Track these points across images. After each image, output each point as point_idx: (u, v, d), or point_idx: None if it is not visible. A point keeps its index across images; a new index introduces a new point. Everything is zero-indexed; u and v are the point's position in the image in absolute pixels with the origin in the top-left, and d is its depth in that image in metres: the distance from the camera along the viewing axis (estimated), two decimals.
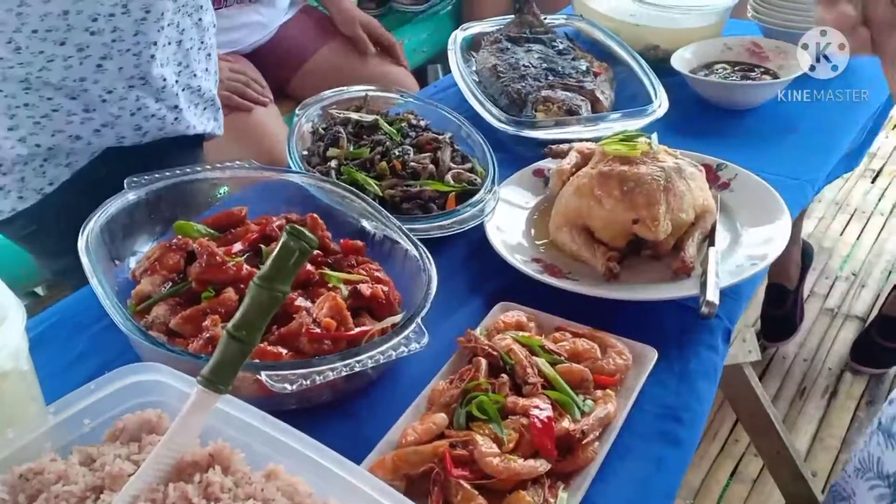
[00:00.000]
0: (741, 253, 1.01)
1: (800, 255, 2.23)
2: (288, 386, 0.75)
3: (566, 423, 0.78)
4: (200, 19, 1.28)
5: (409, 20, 2.74)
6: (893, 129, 3.13)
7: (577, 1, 1.71)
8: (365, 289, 0.92)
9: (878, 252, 2.60)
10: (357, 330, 0.86)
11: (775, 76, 1.43)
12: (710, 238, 1.03)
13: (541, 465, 0.74)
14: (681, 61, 1.45)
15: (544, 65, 1.44)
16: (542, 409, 0.78)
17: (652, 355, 0.88)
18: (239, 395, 0.69)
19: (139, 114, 1.22)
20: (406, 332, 0.83)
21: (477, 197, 1.11)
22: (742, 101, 1.41)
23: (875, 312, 2.31)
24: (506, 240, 1.07)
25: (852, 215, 2.77)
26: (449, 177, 1.16)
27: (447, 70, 1.52)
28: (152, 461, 0.62)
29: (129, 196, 1.00)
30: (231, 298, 0.88)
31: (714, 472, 1.91)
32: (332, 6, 2.19)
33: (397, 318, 0.90)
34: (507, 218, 1.11)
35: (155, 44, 1.19)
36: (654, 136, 1.09)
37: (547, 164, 1.19)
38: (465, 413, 0.79)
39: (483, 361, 0.85)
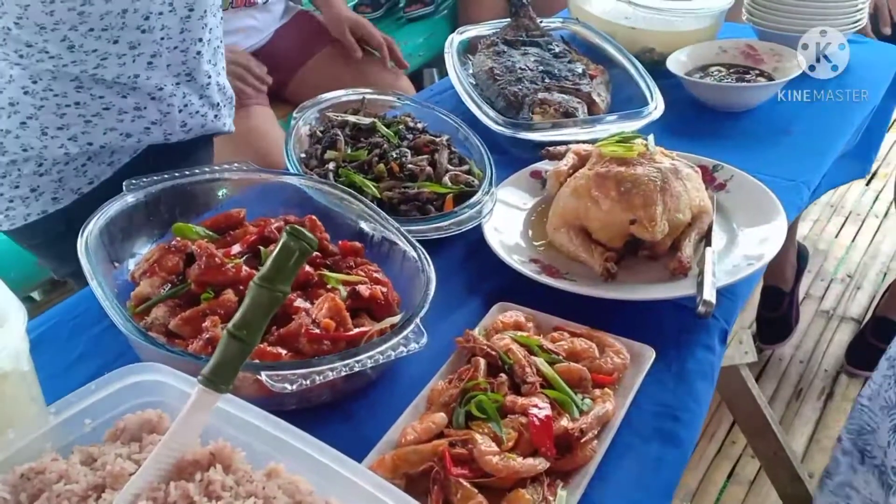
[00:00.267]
0: (737, 253, 1.02)
1: (795, 257, 2.24)
2: (288, 386, 0.75)
3: (565, 422, 0.78)
4: (221, 18, 1.32)
5: (404, 24, 2.75)
6: (888, 131, 3.14)
7: (572, 4, 1.72)
8: (364, 290, 0.92)
9: (873, 254, 2.61)
10: (356, 330, 0.87)
11: (770, 78, 1.44)
12: (706, 238, 1.03)
13: (540, 464, 0.75)
14: (676, 64, 1.46)
15: (540, 67, 1.44)
16: (540, 408, 0.79)
17: (650, 354, 0.88)
18: (239, 396, 0.69)
19: (185, 111, 1.26)
20: (405, 333, 0.83)
21: (475, 198, 1.12)
22: (737, 104, 1.42)
23: (870, 314, 2.32)
24: (504, 240, 1.07)
25: (847, 217, 2.79)
26: (446, 179, 1.17)
27: (443, 74, 1.53)
28: (153, 460, 0.62)
29: (128, 198, 1.00)
30: (230, 300, 0.88)
31: (711, 474, 1.91)
32: (322, 7, 2.20)
33: (396, 319, 0.90)
34: (505, 219, 1.12)
35: (200, 40, 1.23)
36: (651, 137, 1.10)
37: (544, 165, 1.20)
38: (465, 412, 0.80)
39: (482, 361, 0.85)
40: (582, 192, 1.03)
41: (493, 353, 0.86)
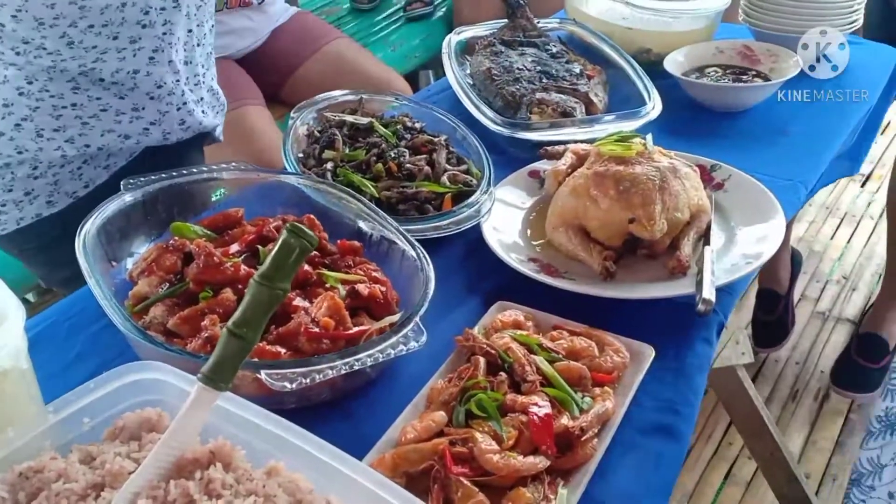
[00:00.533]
0: (736, 252, 1.02)
1: (790, 260, 2.25)
2: (288, 384, 0.75)
3: (565, 420, 0.78)
4: (213, 26, 1.31)
5: (402, 24, 2.75)
6: (882, 133, 3.16)
7: (569, 5, 1.72)
8: (363, 288, 0.92)
9: (868, 255, 2.62)
10: (355, 329, 0.86)
11: (767, 79, 1.44)
12: (705, 237, 1.03)
13: (540, 462, 0.75)
14: (673, 64, 1.46)
15: (538, 68, 1.45)
16: (540, 406, 0.79)
17: (649, 353, 0.88)
18: (238, 394, 0.69)
19: (184, 108, 1.24)
20: (404, 331, 0.83)
21: (473, 198, 1.12)
22: (734, 104, 1.42)
23: (854, 333, 2.33)
24: (502, 240, 1.07)
25: (842, 219, 2.79)
26: (445, 178, 1.17)
27: (439, 75, 1.54)
28: (153, 458, 0.62)
29: (126, 197, 1.00)
30: (229, 299, 0.88)
31: (708, 475, 1.91)
32: None
33: (395, 318, 0.90)
34: (504, 218, 1.12)
35: (202, 38, 1.23)
36: (649, 136, 1.10)
37: (542, 165, 1.20)
38: (465, 411, 0.80)
39: (481, 360, 0.85)
40: (581, 191, 1.03)
41: (493, 351, 0.86)
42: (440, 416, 0.79)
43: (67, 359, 0.93)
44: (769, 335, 2.20)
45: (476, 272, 1.06)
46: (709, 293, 0.91)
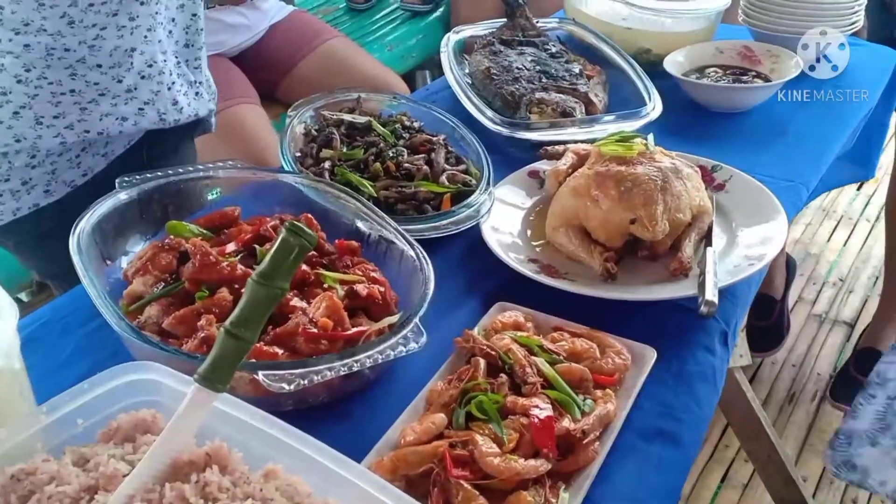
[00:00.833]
0: (738, 253, 1.01)
1: (785, 264, 2.24)
2: (286, 386, 0.74)
3: (566, 423, 0.77)
4: (202, 16, 1.31)
5: (399, 22, 2.74)
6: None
7: (568, 5, 1.71)
8: (361, 289, 0.91)
9: (864, 258, 2.62)
10: (354, 330, 0.85)
11: (767, 79, 1.44)
12: (706, 239, 1.03)
13: (542, 465, 0.74)
14: (673, 65, 1.45)
15: (537, 67, 1.44)
16: (542, 408, 0.78)
17: (651, 355, 0.87)
18: (235, 396, 0.67)
19: (174, 87, 1.24)
20: (404, 332, 0.82)
21: (472, 198, 1.11)
22: (735, 105, 1.41)
23: (861, 319, 2.32)
24: (502, 240, 1.06)
25: (839, 222, 2.79)
26: (444, 178, 1.16)
27: (435, 76, 1.53)
28: (148, 460, 0.61)
29: (121, 196, 0.99)
30: (226, 298, 0.86)
31: (705, 478, 1.91)
32: None
33: (394, 319, 0.89)
34: (503, 219, 1.11)
35: (194, 17, 1.23)
36: (651, 136, 1.09)
37: (542, 165, 1.19)
38: (465, 413, 0.78)
39: (482, 361, 0.84)
40: (581, 191, 1.02)
41: (493, 353, 0.85)
42: (440, 418, 0.78)
43: (61, 359, 0.91)
44: (764, 340, 2.20)
45: (475, 273, 1.05)
46: (711, 295, 0.90)
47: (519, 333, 0.89)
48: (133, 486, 0.60)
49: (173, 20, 1.23)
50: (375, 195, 1.12)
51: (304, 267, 0.92)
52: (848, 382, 2.05)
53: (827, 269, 2.57)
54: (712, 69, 1.48)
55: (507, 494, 0.72)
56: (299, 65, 2.13)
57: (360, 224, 1.03)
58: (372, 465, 0.74)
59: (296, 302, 0.87)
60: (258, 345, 0.81)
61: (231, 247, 0.95)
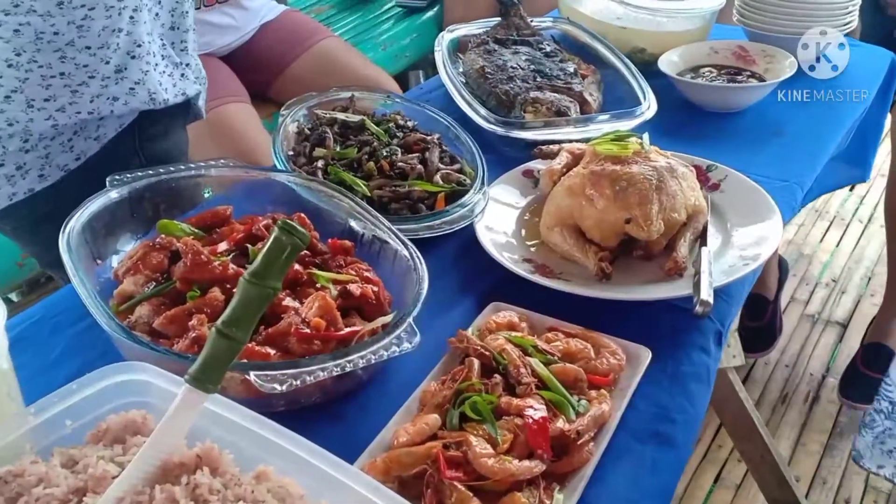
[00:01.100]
0: (733, 253, 1.01)
1: (777, 265, 2.25)
2: (277, 386, 0.73)
3: (561, 424, 0.76)
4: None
5: (394, 20, 2.73)
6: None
7: (563, 4, 1.71)
8: (354, 289, 0.90)
9: (857, 258, 2.62)
10: (347, 330, 0.84)
11: (762, 79, 1.43)
12: (701, 238, 1.02)
13: (536, 466, 0.73)
14: (668, 64, 1.45)
15: (532, 66, 1.43)
16: (536, 409, 0.77)
17: (646, 355, 0.87)
18: (226, 397, 0.67)
19: (158, 68, 1.24)
20: (397, 332, 0.81)
21: (466, 197, 1.10)
22: (729, 104, 1.41)
23: (854, 319, 2.33)
24: (496, 240, 1.06)
25: (832, 222, 2.80)
26: (438, 177, 1.15)
27: (429, 76, 1.52)
28: (138, 462, 0.60)
29: (112, 194, 0.98)
30: (217, 298, 0.86)
31: (698, 478, 1.91)
32: None
33: (388, 319, 0.88)
34: (498, 218, 1.10)
35: (159, 2, 1.23)
36: (646, 135, 1.09)
37: (536, 164, 1.19)
38: (459, 414, 0.78)
39: (476, 362, 0.84)
40: (576, 190, 1.02)
41: (488, 353, 0.84)
42: (433, 419, 0.77)
43: (50, 359, 0.90)
44: (757, 341, 2.20)
45: (469, 273, 1.04)
46: (707, 294, 0.90)
47: (513, 334, 0.88)
48: (122, 488, 0.59)
49: (159, 2, 1.24)
50: (369, 194, 1.11)
51: (296, 266, 0.91)
52: (856, 378, 2.07)
53: (819, 269, 2.58)
54: (707, 69, 1.48)
55: (501, 495, 0.72)
56: (292, 64, 2.12)
57: (353, 223, 1.02)
58: (365, 467, 0.73)
59: (288, 302, 0.87)
60: (250, 345, 0.80)
61: (223, 246, 0.95)
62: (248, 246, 0.95)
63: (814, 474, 1.91)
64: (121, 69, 1.19)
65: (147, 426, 0.66)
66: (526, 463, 0.73)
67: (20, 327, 0.94)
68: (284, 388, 0.73)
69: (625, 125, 1.23)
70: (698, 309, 0.89)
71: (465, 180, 1.15)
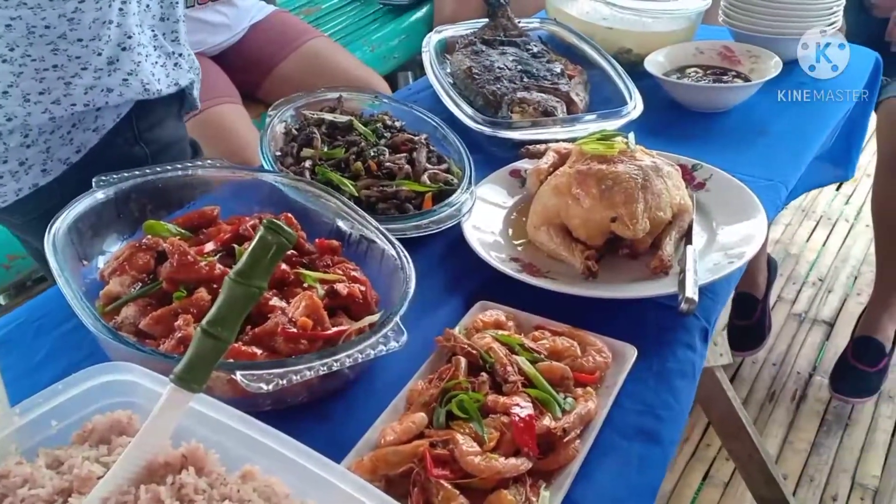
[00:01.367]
0: (718, 251, 1.02)
1: (766, 264, 2.26)
2: (264, 386, 0.73)
3: (547, 421, 0.77)
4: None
5: (381, 19, 2.73)
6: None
7: (550, 5, 1.71)
8: (342, 288, 0.90)
9: (843, 257, 2.64)
10: (334, 329, 0.85)
11: (747, 79, 1.44)
12: (687, 237, 1.03)
13: (522, 464, 0.73)
14: (654, 65, 1.46)
15: (519, 67, 1.44)
16: (522, 407, 0.77)
17: (631, 353, 0.87)
18: (213, 396, 0.67)
19: (150, 59, 1.25)
20: (384, 332, 0.81)
21: (454, 197, 1.10)
22: (715, 104, 1.42)
23: (840, 318, 2.34)
24: (483, 239, 1.06)
25: (818, 222, 2.82)
26: (425, 177, 1.15)
27: (418, 77, 1.52)
28: (123, 462, 0.60)
29: (98, 195, 0.97)
30: (204, 298, 0.86)
31: (686, 476, 1.92)
32: None
33: (375, 318, 0.88)
34: (485, 218, 1.11)
35: None
36: (632, 135, 1.09)
37: (523, 164, 1.19)
38: (445, 412, 0.78)
39: (462, 360, 0.84)
40: (563, 189, 1.02)
41: (474, 351, 0.84)
42: (420, 417, 0.77)
43: (36, 360, 0.90)
44: (746, 339, 2.21)
45: (457, 272, 1.04)
46: (692, 292, 0.90)
47: (500, 332, 0.88)
48: (107, 488, 0.59)
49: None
50: (357, 194, 1.11)
51: (283, 266, 0.91)
52: (847, 372, 2.07)
53: (806, 268, 2.59)
54: (693, 69, 1.49)
55: (487, 493, 0.72)
56: (281, 64, 2.12)
57: (340, 223, 1.02)
58: (352, 466, 0.73)
59: (275, 301, 0.87)
60: (237, 345, 0.80)
61: (209, 246, 0.94)
62: (235, 246, 0.95)
63: (801, 472, 1.92)
64: (113, 61, 1.19)
65: (133, 426, 0.66)
66: (512, 461, 0.73)
67: (5, 329, 0.94)
68: (271, 387, 0.73)
69: (611, 125, 1.24)
70: (683, 307, 0.89)
71: (452, 180, 1.16)
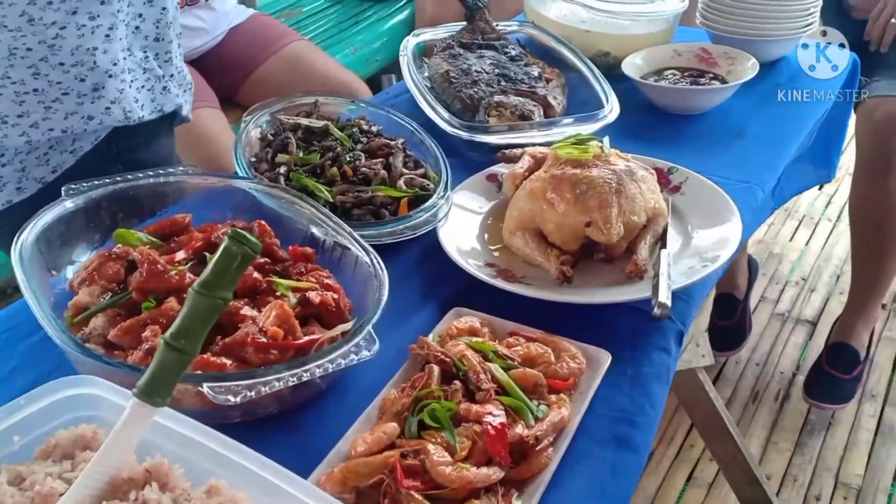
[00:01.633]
0: (693, 255, 1.01)
1: (747, 264, 2.26)
2: (231, 398, 0.72)
3: (520, 429, 0.76)
4: (178, 6, 1.32)
5: (364, 15, 2.73)
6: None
7: (528, 8, 1.71)
8: (314, 296, 0.89)
9: (826, 257, 2.65)
10: (305, 339, 0.83)
11: (724, 81, 1.44)
12: (661, 241, 1.03)
13: (494, 473, 0.73)
14: (631, 67, 1.46)
15: (496, 70, 1.43)
16: (495, 415, 0.77)
17: (605, 358, 0.87)
18: (181, 409, 0.66)
19: (135, 85, 1.24)
20: (356, 340, 0.81)
21: (430, 202, 1.10)
22: (692, 107, 1.42)
23: (823, 317, 2.35)
24: (459, 245, 1.05)
25: (801, 221, 2.83)
26: (401, 182, 1.14)
27: (401, 79, 1.52)
28: (84, 478, 0.59)
29: (67, 203, 0.96)
30: (173, 308, 0.84)
31: (670, 478, 1.92)
32: None
33: (348, 326, 0.87)
34: (461, 223, 1.10)
35: (140, 16, 1.23)
36: (606, 139, 1.09)
37: (500, 168, 1.19)
38: (417, 421, 0.77)
39: (436, 368, 0.83)
40: (537, 194, 1.02)
41: (448, 359, 0.84)
42: (391, 427, 0.76)
43: (3, 372, 0.89)
44: (727, 340, 2.21)
45: (432, 278, 1.04)
46: (664, 297, 0.90)
47: (474, 339, 0.88)
48: None
49: (140, 15, 1.23)
50: (332, 200, 1.11)
51: (255, 274, 0.90)
52: (821, 378, 2.07)
53: (789, 268, 2.60)
54: (670, 71, 1.49)
55: (459, 503, 0.71)
56: (260, 68, 2.10)
57: (314, 230, 1.01)
58: (322, 478, 0.72)
59: (246, 311, 0.86)
60: (206, 356, 0.79)
61: (181, 255, 0.93)
62: (207, 254, 0.93)
63: (784, 472, 1.93)
64: (98, 87, 1.19)
65: (97, 441, 0.65)
66: (484, 470, 0.73)
67: None
68: (239, 399, 0.72)
69: (588, 128, 1.24)
70: (656, 311, 0.89)
71: (428, 185, 1.15)
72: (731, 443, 1.65)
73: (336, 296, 0.91)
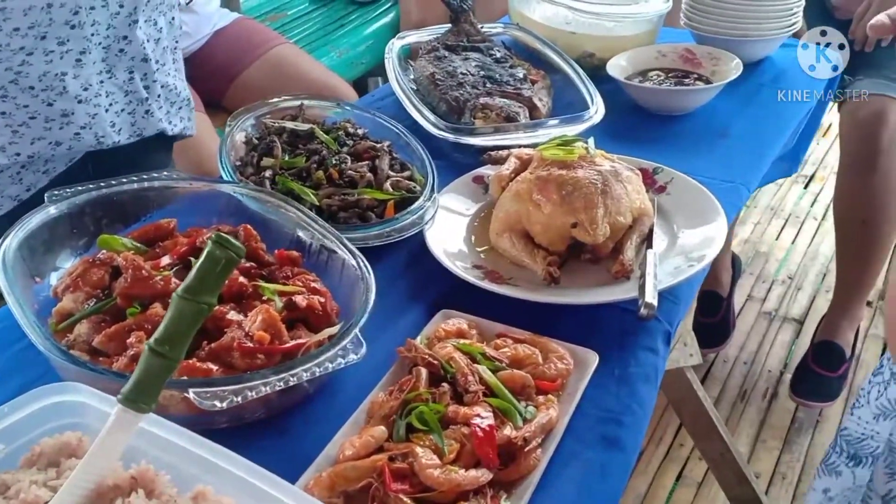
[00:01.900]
0: (679, 255, 1.02)
1: (730, 262, 2.27)
2: (218, 403, 0.72)
3: (508, 431, 0.76)
4: (173, 18, 1.29)
5: (353, 26, 2.72)
6: (824, 135, 3.23)
7: (513, 10, 1.71)
8: (301, 300, 0.89)
9: (812, 255, 2.67)
10: (292, 343, 0.83)
11: (708, 82, 1.45)
12: (647, 241, 1.03)
13: (482, 475, 0.73)
14: (616, 68, 1.46)
15: (482, 72, 1.43)
16: (483, 417, 0.77)
17: (593, 359, 0.87)
18: (168, 415, 0.66)
19: (112, 109, 1.23)
20: (343, 344, 0.80)
21: (416, 205, 1.09)
22: (676, 107, 1.43)
23: (810, 316, 2.37)
24: (446, 247, 1.05)
25: (787, 220, 2.85)
26: (388, 185, 1.14)
27: (387, 82, 1.51)
28: (70, 486, 0.59)
29: (51, 210, 0.95)
30: (158, 314, 0.84)
31: (660, 477, 1.92)
32: None
33: (335, 330, 0.87)
34: (448, 225, 1.10)
35: (125, 38, 1.21)
36: (591, 140, 1.09)
37: (486, 170, 1.19)
38: (405, 424, 0.77)
39: (423, 371, 0.83)
40: (523, 195, 1.02)
41: (436, 362, 0.84)
42: (380, 430, 0.76)
43: None
44: (711, 336, 2.22)
45: (419, 280, 1.04)
46: (651, 297, 0.90)
47: (462, 341, 0.88)
48: None
49: (125, 37, 1.21)
50: (318, 203, 1.10)
51: (241, 279, 0.90)
52: (807, 376, 2.08)
53: (776, 267, 2.62)
54: (654, 72, 1.49)
55: None
56: (245, 72, 2.10)
57: (301, 234, 1.01)
58: (310, 482, 0.72)
59: (232, 315, 0.85)
60: (192, 361, 0.78)
61: (166, 260, 0.93)
62: (192, 259, 0.93)
63: (773, 470, 1.94)
64: (67, 113, 1.17)
65: (82, 448, 0.65)
66: (472, 472, 0.73)
67: None
68: (225, 404, 0.71)
69: (573, 129, 1.24)
70: (643, 311, 0.89)
71: (414, 187, 1.15)
72: (720, 441, 1.66)
73: (323, 299, 0.91)
